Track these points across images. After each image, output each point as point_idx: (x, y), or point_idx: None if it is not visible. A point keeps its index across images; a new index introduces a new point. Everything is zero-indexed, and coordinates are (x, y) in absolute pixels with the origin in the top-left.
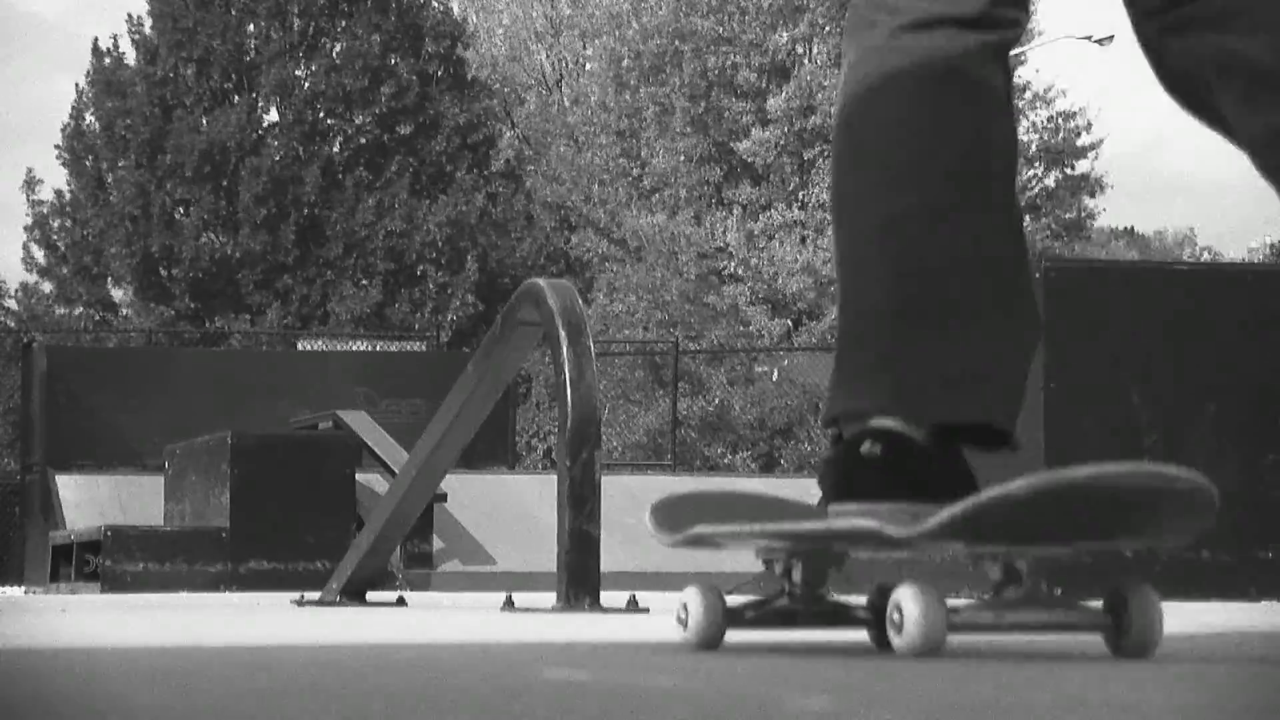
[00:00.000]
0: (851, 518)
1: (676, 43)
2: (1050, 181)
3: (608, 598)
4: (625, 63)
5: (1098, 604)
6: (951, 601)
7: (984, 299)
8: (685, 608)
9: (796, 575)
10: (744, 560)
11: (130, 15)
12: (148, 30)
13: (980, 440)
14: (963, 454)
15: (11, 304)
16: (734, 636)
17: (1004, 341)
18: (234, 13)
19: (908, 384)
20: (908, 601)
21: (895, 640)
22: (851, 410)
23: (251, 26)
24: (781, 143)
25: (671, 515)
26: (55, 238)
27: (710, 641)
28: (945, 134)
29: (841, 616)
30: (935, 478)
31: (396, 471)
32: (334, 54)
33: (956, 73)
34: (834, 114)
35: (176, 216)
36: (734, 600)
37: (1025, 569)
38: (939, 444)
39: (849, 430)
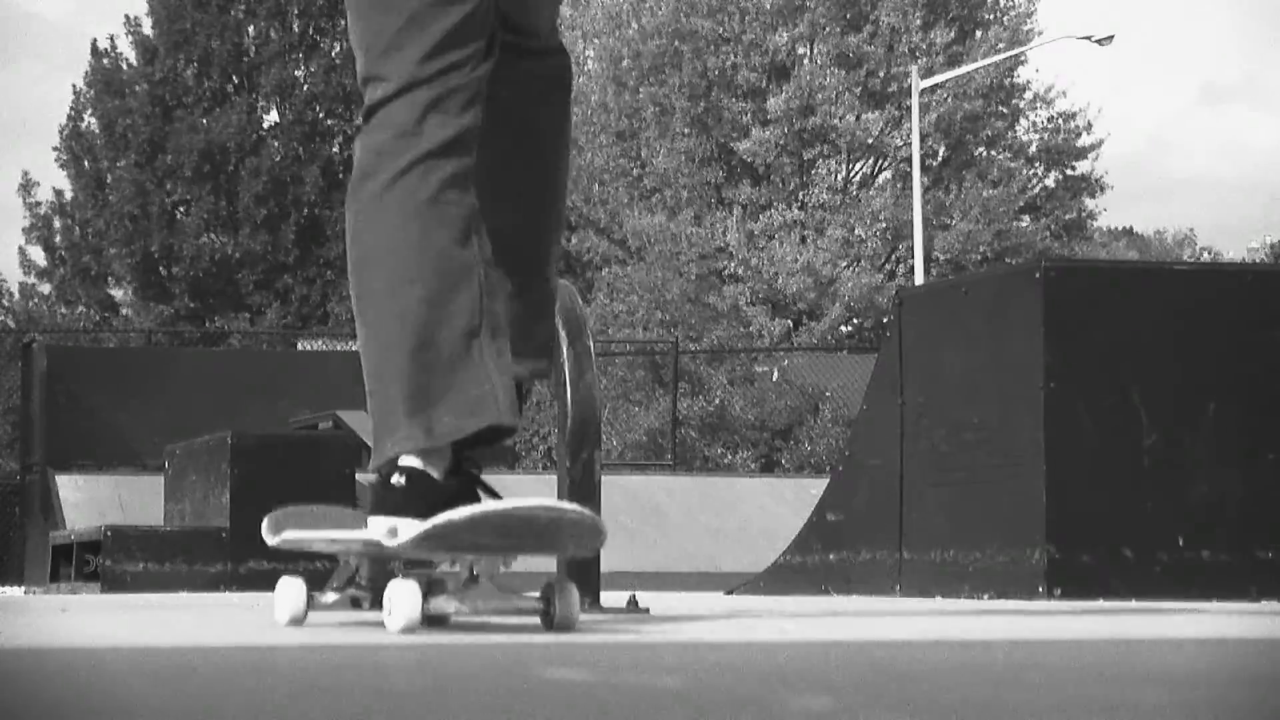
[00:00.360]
0: (365, 531)
1: (676, 43)
2: (1050, 182)
3: (608, 598)
4: (625, 63)
5: (535, 595)
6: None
7: (482, 352)
8: (280, 594)
9: (364, 570)
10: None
11: (128, 16)
12: (147, 30)
13: (495, 438)
14: (474, 481)
15: (10, 304)
16: (316, 617)
17: (503, 373)
18: (233, 13)
19: (425, 429)
20: (395, 593)
21: (388, 621)
22: (389, 456)
23: (251, 27)
24: (781, 143)
25: (277, 523)
26: (57, 239)
27: (298, 620)
28: (430, 248)
29: (358, 603)
30: (442, 502)
31: None
32: (334, 54)
33: (433, 204)
34: (348, 236)
35: (177, 216)
36: (327, 595)
37: (479, 570)
38: (454, 471)
39: (385, 467)
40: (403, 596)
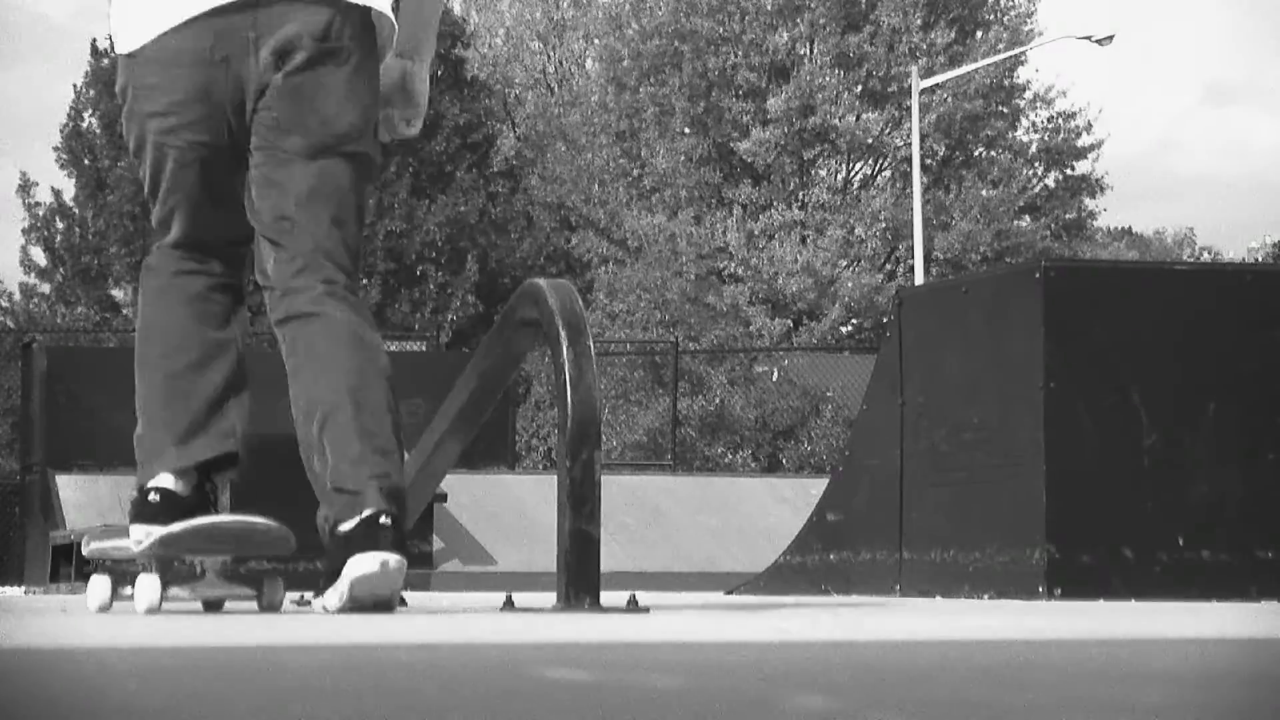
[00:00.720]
0: (126, 540)
1: (676, 43)
2: (1050, 182)
3: (608, 598)
4: (625, 63)
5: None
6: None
7: (219, 408)
8: (91, 588)
9: (154, 568)
10: (742, 561)
11: None
12: None
13: (229, 465)
14: (208, 500)
15: (10, 305)
16: (121, 606)
17: (241, 421)
18: None
19: (181, 453)
20: (140, 584)
21: (135, 605)
22: (149, 476)
23: None
24: (781, 143)
25: (91, 538)
26: (57, 240)
27: (105, 609)
28: (193, 329)
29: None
30: (186, 511)
31: None
32: None
33: (198, 299)
34: (137, 318)
35: None
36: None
37: (206, 566)
38: (198, 490)
39: (145, 487)
40: (145, 586)
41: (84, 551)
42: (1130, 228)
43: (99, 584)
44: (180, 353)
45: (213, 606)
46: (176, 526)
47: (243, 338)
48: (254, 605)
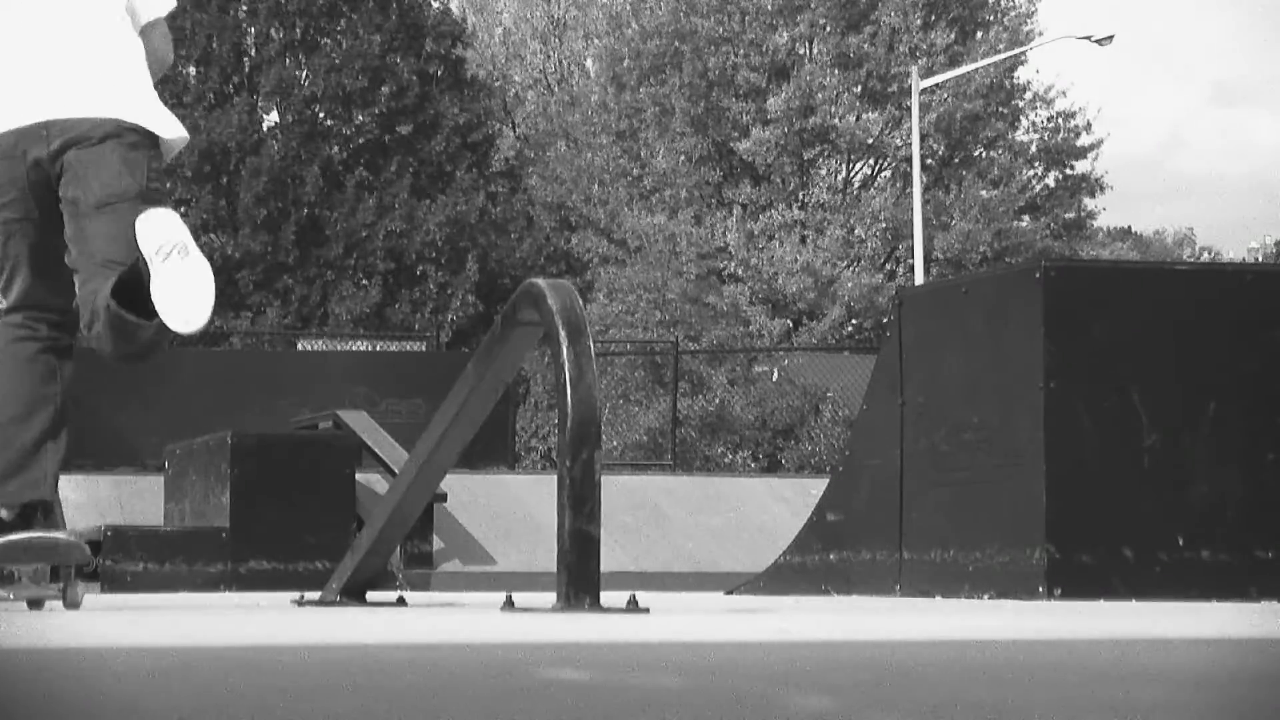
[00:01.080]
0: None
1: (676, 43)
2: (1050, 181)
3: (608, 598)
4: (625, 63)
5: (53, 583)
6: None
7: (35, 454)
8: None
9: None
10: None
11: None
12: None
13: (41, 504)
14: (25, 522)
15: None
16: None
17: (56, 466)
18: (233, 13)
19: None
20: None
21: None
22: None
23: (252, 28)
24: (781, 143)
25: None
26: None
27: None
28: (22, 389)
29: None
30: (3, 532)
31: (396, 471)
32: (334, 54)
33: (30, 360)
34: None
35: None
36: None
37: (21, 572)
38: (20, 514)
39: None
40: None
41: None
42: (1130, 228)
43: None
44: (7, 406)
45: (34, 604)
46: None
47: (64, 391)
48: (59, 603)
